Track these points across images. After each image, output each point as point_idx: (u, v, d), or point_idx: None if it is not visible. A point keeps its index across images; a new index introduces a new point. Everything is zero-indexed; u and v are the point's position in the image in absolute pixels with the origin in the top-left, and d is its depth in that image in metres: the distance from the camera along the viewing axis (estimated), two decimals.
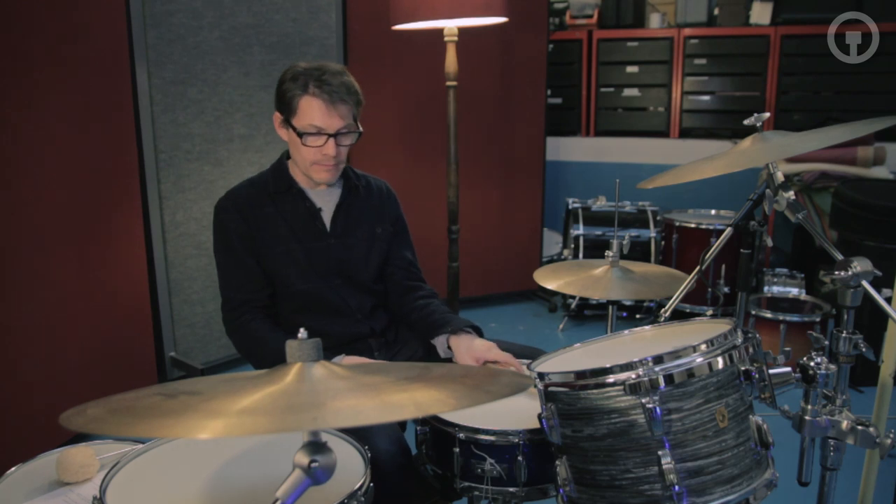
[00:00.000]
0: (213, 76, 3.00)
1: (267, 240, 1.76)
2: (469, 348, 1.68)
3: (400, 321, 1.93)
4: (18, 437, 2.28)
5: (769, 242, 1.69)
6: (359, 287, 1.85)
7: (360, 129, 1.74)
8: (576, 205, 3.94)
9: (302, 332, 0.94)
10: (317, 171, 1.73)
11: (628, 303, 3.69)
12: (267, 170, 1.86)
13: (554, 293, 3.55)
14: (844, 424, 1.29)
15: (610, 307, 1.88)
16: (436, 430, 1.46)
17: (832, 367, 1.31)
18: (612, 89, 4.85)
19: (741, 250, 1.80)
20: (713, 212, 3.98)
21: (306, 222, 1.79)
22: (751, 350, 1.24)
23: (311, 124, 1.67)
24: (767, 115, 1.52)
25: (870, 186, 3.41)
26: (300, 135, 1.68)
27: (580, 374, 1.21)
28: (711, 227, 3.62)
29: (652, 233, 3.79)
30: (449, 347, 1.74)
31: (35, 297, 2.37)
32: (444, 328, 1.74)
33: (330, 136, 1.68)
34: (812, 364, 1.30)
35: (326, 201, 1.82)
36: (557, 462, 1.27)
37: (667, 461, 1.13)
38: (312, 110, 1.66)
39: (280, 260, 1.77)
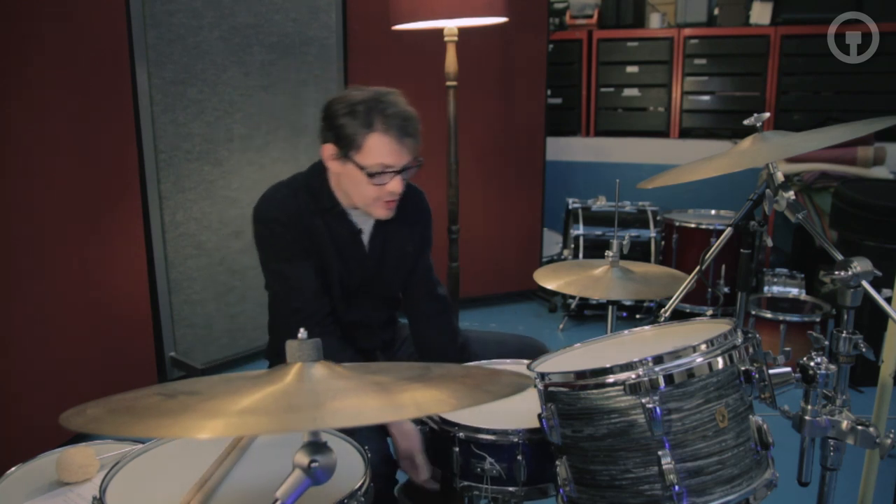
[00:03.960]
0: (213, 76, 3.00)
1: (311, 252, 1.68)
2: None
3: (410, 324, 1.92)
4: (18, 437, 2.28)
5: (769, 242, 1.69)
6: (383, 300, 1.84)
7: (421, 158, 1.65)
8: (576, 205, 3.94)
9: (302, 332, 0.94)
10: (378, 207, 1.64)
11: (628, 303, 3.69)
12: (302, 178, 1.74)
13: (554, 293, 3.55)
14: (844, 424, 1.29)
15: (610, 307, 1.88)
16: (436, 430, 1.46)
17: (832, 367, 1.31)
18: (612, 89, 4.85)
19: (741, 250, 1.79)
20: (713, 212, 3.98)
21: (349, 243, 1.73)
22: (751, 350, 1.24)
23: (379, 163, 1.57)
24: (767, 115, 1.52)
25: (870, 186, 3.41)
26: (369, 174, 1.58)
27: (580, 374, 1.21)
28: (711, 227, 3.62)
29: (652, 233, 3.79)
30: None
31: (35, 296, 2.37)
32: None
33: (397, 172, 1.60)
34: (812, 364, 1.29)
35: (365, 221, 1.75)
36: (557, 462, 1.27)
37: (667, 461, 1.13)
38: (381, 148, 1.57)
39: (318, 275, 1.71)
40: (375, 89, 1.61)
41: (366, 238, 1.76)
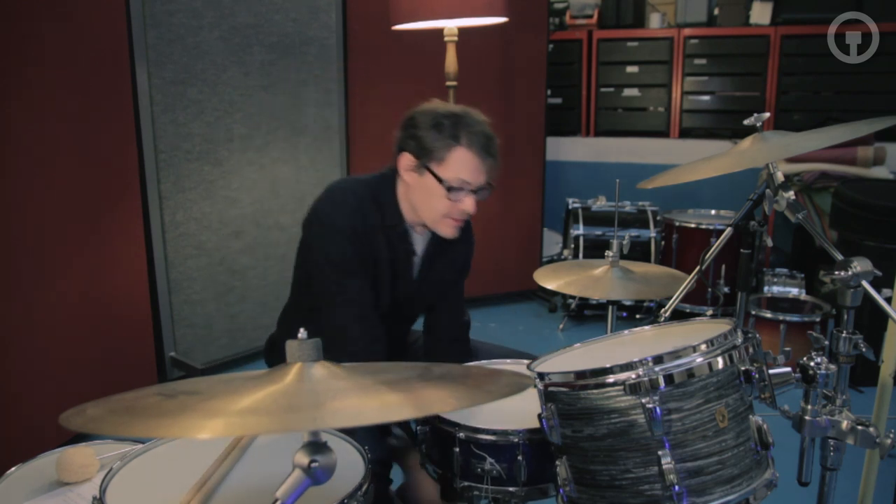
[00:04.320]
0: (213, 76, 3.00)
1: (368, 265, 1.67)
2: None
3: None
4: (18, 437, 2.28)
5: (769, 242, 1.68)
6: (408, 317, 1.89)
7: (494, 184, 1.64)
8: (576, 205, 3.94)
9: (302, 333, 0.94)
10: (446, 225, 1.64)
11: (628, 303, 3.69)
12: (371, 188, 1.69)
13: (554, 293, 3.55)
14: (844, 424, 1.29)
15: (610, 307, 1.88)
16: (436, 430, 1.46)
17: (832, 367, 1.31)
18: (612, 89, 4.85)
19: (741, 250, 1.79)
20: (713, 212, 3.98)
21: (402, 263, 1.72)
22: (751, 350, 1.24)
23: (459, 177, 1.57)
24: (767, 115, 1.52)
25: (870, 186, 3.41)
26: (448, 188, 1.58)
27: (580, 374, 1.20)
28: (711, 227, 3.62)
29: (652, 233, 3.79)
30: None
31: (35, 296, 2.37)
32: None
33: (473, 191, 1.60)
34: (812, 364, 1.29)
35: (419, 244, 1.75)
36: (557, 462, 1.27)
37: (667, 461, 1.13)
38: (464, 163, 1.57)
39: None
40: (461, 106, 1.63)
41: (417, 261, 1.75)
